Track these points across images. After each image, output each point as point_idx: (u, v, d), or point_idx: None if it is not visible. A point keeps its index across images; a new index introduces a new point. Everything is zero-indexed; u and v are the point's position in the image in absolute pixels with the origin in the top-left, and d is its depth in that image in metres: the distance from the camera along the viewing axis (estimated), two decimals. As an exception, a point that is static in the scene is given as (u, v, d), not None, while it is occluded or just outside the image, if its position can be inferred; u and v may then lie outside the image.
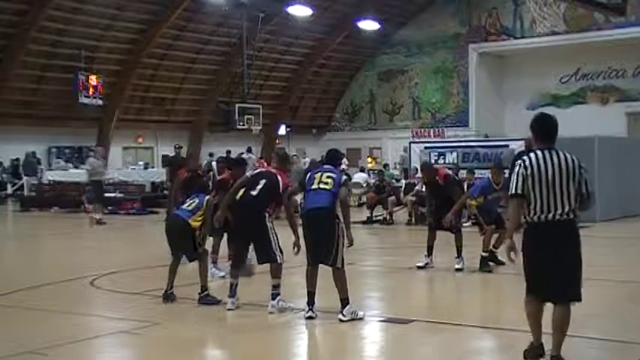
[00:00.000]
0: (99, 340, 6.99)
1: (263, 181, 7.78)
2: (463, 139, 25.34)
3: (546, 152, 5.58)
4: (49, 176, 26.35)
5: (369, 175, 25.90)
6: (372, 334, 7.29)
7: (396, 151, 31.84)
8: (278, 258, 7.68)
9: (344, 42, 34.88)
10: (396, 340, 7.04)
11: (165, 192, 21.95)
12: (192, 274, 8.80)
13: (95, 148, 22.82)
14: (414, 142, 22.60)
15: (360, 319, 7.37)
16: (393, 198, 18.72)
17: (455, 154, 19.14)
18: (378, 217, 18.74)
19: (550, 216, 5.48)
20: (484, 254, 10.51)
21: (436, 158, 19.61)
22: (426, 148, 20.60)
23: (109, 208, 22.91)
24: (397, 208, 18.67)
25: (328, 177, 7.54)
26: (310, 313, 7.41)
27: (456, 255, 10.55)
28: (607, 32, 29.82)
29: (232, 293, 7.89)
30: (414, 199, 17.97)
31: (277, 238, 7.75)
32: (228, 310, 7.85)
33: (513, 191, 5.58)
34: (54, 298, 9.04)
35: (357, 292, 8.04)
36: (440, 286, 10.37)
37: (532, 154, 5.61)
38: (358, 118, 38.42)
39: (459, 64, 34.56)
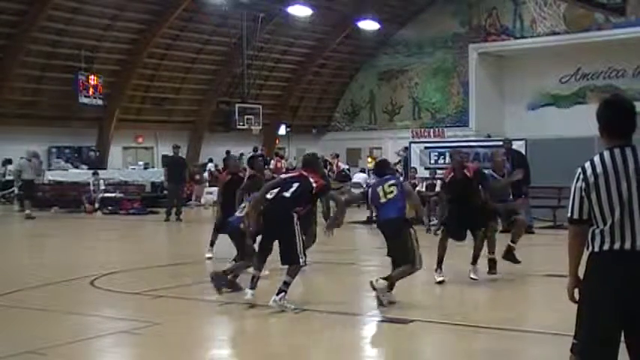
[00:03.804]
0: (99, 340, 6.99)
1: (296, 184, 7.99)
2: (463, 139, 25.30)
3: (617, 152, 3.84)
4: (50, 176, 26.35)
5: (369, 175, 25.87)
6: (372, 334, 7.29)
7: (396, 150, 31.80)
8: (301, 261, 7.80)
9: (344, 42, 34.84)
10: (396, 340, 7.04)
11: (165, 192, 22.01)
12: (192, 274, 8.80)
13: (28, 150, 22.79)
14: (414, 142, 22.56)
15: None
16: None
17: (455, 154, 19.13)
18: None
19: (627, 245, 3.68)
20: (491, 257, 10.14)
21: (436, 158, 19.58)
22: (426, 148, 20.56)
23: (110, 207, 22.96)
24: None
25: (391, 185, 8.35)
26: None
27: (472, 261, 9.89)
28: (607, 32, 29.75)
29: (253, 285, 7.98)
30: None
31: (303, 242, 7.90)
32: (246, 300, 7.91)
33: (576, 216, 3.85)
34: (54, 298, 9.04)
35: (357, 291, 8.04)
36: (440, 286, 10.34)
37: (596, 158, 3.87)
38: (358, 118, 38.37)
39: (459, 64, 34.49)
